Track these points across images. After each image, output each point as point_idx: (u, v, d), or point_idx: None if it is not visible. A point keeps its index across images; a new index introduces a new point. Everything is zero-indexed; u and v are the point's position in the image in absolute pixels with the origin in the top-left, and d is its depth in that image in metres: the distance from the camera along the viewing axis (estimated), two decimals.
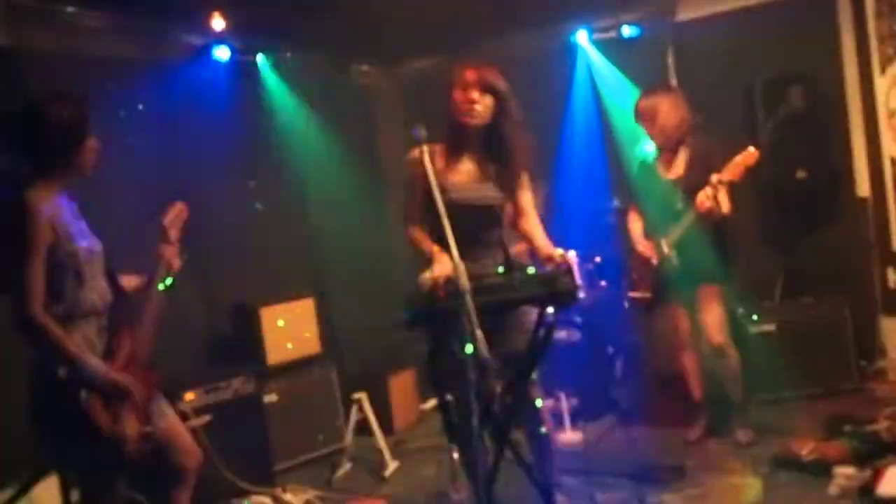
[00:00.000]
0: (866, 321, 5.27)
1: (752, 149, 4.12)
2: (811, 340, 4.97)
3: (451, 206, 2.85)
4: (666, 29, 5.77)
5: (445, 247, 2.77)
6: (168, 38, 4.94)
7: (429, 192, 2.86)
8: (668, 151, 4.46)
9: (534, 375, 3.25)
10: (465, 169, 3.32)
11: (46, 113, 2.82)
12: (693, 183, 4.26)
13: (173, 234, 3.20)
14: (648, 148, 4.56)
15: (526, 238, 3.37)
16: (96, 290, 2.90)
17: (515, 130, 3.30)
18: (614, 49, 5.87)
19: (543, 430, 3.35)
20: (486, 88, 3.23)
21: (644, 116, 4.43)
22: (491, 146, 3.31)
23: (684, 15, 5.76)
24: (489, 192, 3.31)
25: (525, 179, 3.39)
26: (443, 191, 2.92)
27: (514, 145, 3.31)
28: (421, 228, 3.27)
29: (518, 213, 3.38)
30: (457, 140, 3.30)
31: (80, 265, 2.83)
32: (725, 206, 4.21)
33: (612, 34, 5.86)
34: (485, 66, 3.28)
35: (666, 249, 4.40)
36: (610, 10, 5.81)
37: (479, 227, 3.27)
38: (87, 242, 2.90)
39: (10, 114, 2.91)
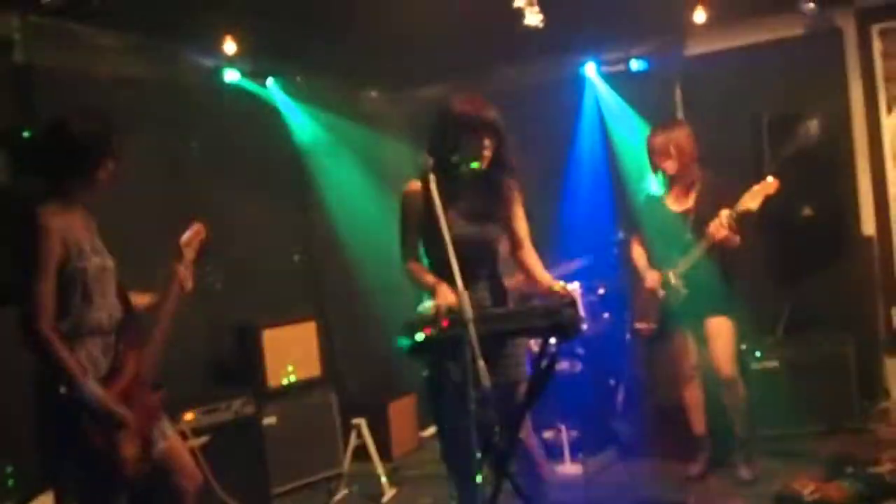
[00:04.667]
0: (870, 360, 5.25)
1: (770, 178, 4.15)
2: (814, 377, 4.93)
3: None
4: (674, 63, 5.81)
5: (445, 278, 2.75)
6: (180, 59, 4.98)
7: (426, 224, 2.83)
8: (678, 185, 4.48)
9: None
10: (461, 205, 3.20)
11: (73, 128, 2.83)
12: (703, 215, 4.28)
13: (189, 253, 3.16)
14: (654, 182, 4.57)
15: (525, 270, 3.32)
16: (104, 309, 2.89)
17: (511, 168, 3.26)
18: (622, 82, 5.90)
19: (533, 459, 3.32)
20: (494, 131, 3.15)
21: (657, 150, 4.44)
22: (486, 183, 3.25)
23: (693, 50, 5.81)
24: (483, 229, 3.23)
25: (520, 210, 3.34)
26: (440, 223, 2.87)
27: (509, 182, 3.29)
28: (418, 261, 3.21)
29: (516, 245, 3.33)
30: (456, 177, 3.20)
31: (89, 282, 2.83)
32: (737, 237, 4.22)
33: (621, 67, 5.90)
34: (487, 105, 3.19)
35: (674, 281, 4.40)
36: (619, 44, 5.85)
37: (474, 262, 3.15)
38: (98, 259, 2.89)
39: (32, 128, 2.91)
